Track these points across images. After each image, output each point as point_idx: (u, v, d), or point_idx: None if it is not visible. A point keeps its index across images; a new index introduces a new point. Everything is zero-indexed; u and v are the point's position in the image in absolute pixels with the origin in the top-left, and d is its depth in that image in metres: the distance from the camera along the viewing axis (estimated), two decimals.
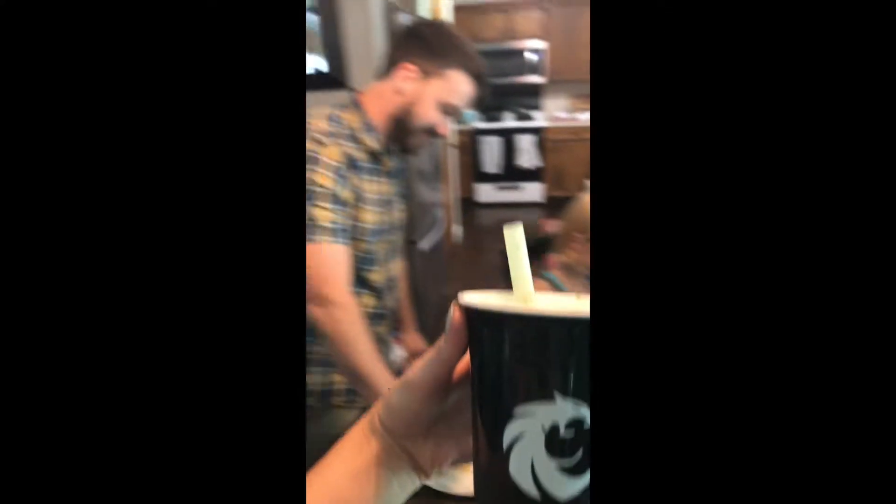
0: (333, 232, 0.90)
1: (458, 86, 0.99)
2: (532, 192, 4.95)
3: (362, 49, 1.96)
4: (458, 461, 0.32)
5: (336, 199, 0.90)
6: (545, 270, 1.25)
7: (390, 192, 1.08)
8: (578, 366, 0.25)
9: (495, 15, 4.65)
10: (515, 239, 0.30)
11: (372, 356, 0.90)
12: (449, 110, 1.00)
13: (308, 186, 0.88)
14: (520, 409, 0.25)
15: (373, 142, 0.99)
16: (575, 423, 0.25)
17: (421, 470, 0.32)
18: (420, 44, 0.97)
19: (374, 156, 1.01)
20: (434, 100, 0.98)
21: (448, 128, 1.05)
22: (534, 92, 4.98)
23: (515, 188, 4.96)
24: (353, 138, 0.97)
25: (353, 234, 0.96)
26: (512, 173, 4.91)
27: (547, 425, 0.25)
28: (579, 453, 0.26)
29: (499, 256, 1.24)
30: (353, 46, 1.96)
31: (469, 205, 4.94)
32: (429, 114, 0.98)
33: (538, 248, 1.37)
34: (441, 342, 0.29)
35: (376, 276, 1.05)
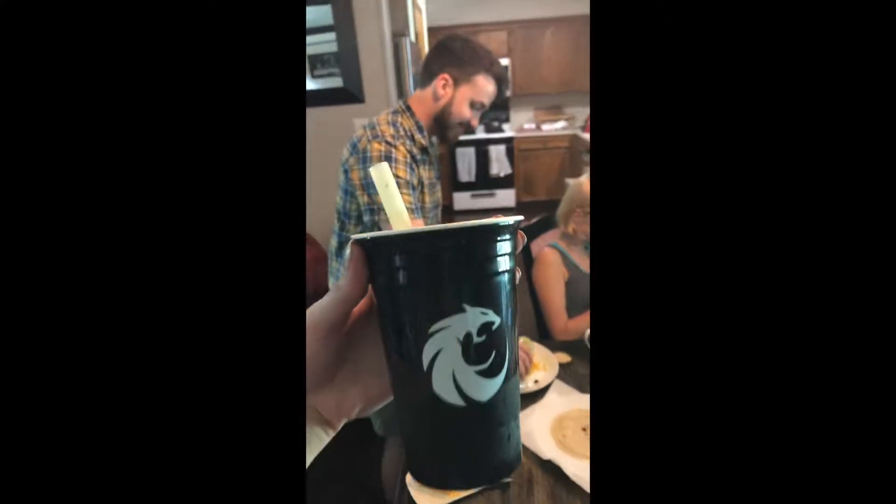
0: (413, 212, 1.23)
1: (485, 87, 1.29)
2: (504, 198, 5.34)
3: (375, 66, 2.27)
4: (364, 409, 0.32)
5: (411, 186, 1.23)
6: (552, 241, 1.60)
7: (434, 177, 1.40)
8: (477, 273, 0.27)
9: None
10: (384, 176, 0.30)
11: None
12: (477, 107, 1.30)
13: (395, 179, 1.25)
14: (435, 327, 0.26)
15: (423, 139, 1.31)
16: (484, 328, 0.27)
17: (327, 423, 0.31)
18: (451, 56, 1.28)
19: (425, 150, 1.33)
20: (466, 100, 1.28)
21: (477, 121, 1.35)
22: (503, 105, 5.40)
23: (489, 195, 5.33)
24: (411, 137, 1.29)
25: (421, 214, 1.29)
26: (485, 181, 5.29)
27: (461, 336, 0.27)
28: (492, 355, 0.28)
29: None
30: (367, 64, 2.27)
31: (448, 212, 5.28)
32: (463, 112, 1.29)
33: (546, 225, 1.71)
34: (340, 282, 0.29)
35: None
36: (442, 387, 0.27)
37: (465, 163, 5.19)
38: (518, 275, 0.31)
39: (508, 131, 5.25)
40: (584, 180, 1.53)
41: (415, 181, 1.26)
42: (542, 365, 1.27)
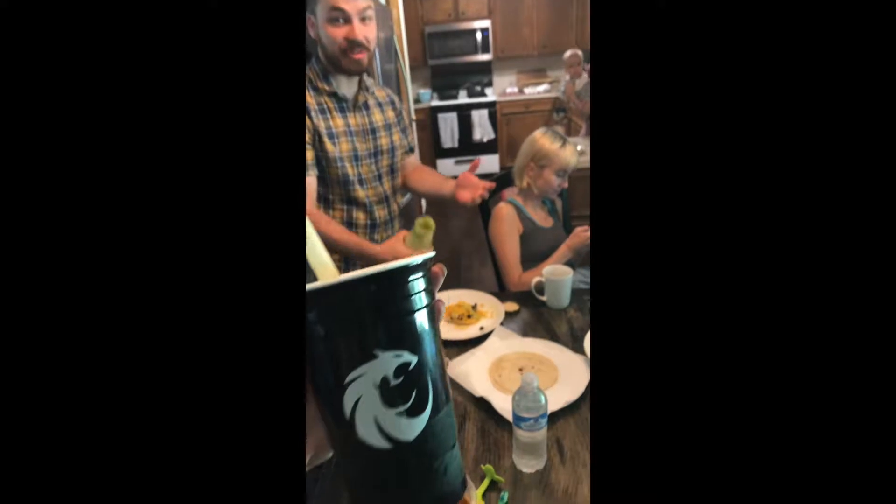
0: (309, 167, 1.21)
1: None
2: (488, 163, 5.32)
3: None
4: (316, 457, 0.32)
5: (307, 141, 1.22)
6: (509, 197, 1.62)
7: (364, 124, 1.30)
8: (388, 316, 0.27)
9: None
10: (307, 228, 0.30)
11: (346, 233, 1.24)
12: (339, 18, 1.14)
13: None
14: (350, 376, 0.27)
15: (327, 85, 1.24)
16: (400, 370, 0.28)
17: None
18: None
19: (336, 96, 1.25)
20: (323, 21, 1.16)
21: (358, 32, 1.16)
22: (485, 69, 5.33)
23: (472, 160, 5.30)
24: (315, 88, 1.24)
25: (327, 165, 1.25)
26: (468, 147, 5.26)
27: (377, 381, 0.27)
28: (412, 395, 0.28)
29: (464, 223, 1.53)
30: None
31: None
32: (330, 34, 1.16)
33: (503, 182, 1.73)
34: None
35: (361, 193, 1.31)
36: (366, 432, 0.27)
37: (448, 129, 5.15)
38: (442, 308, 0.32)
39: (491, 96, 5.19)
40: (539, 134, 1.55)
41: (307, 137, 1.22)
42: (489, 313, 1.31)
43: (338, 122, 1.26)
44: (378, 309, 0.27)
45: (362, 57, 1.20)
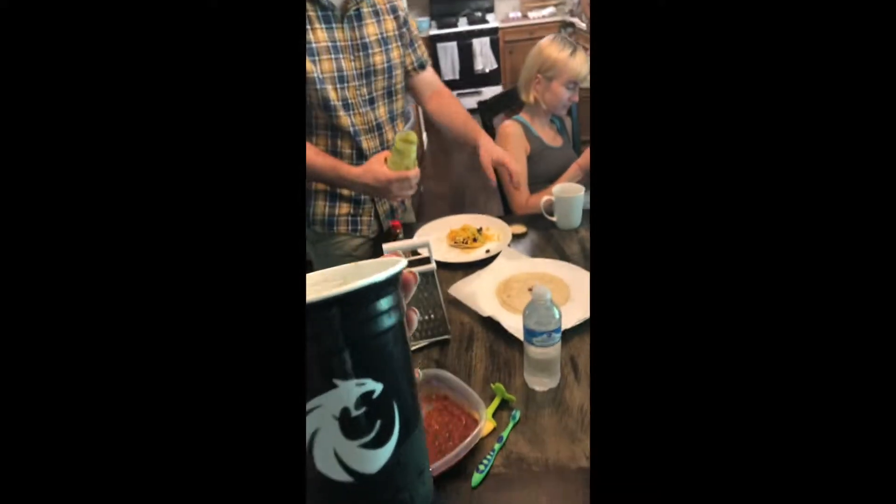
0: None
1: None
2: (491, 95, 5.09)
3: None
4: None
5: None
6: (515, 115, 1.51)
7: (354, 38, 1.10)
8: (349, 343, 0.25)
9: None
10: None
11: (320, 156, 1.10)
12: None
13: None
14: (308, 406, 0.25)
15: None
16: (363, 399, 0.25)
17: None
18: None
19: (321, 4, 1.04)
20: None
21: None
22: None
23: (475, 93, 5.09)
24: None
25: (305, 86, 1.06)
26: (470, 78, 5.02)
27: (337, 412, 0.25)
28: (376, 425, 0.26)
29: (466, 157, 1.35)
30: None
31: None
32: None
33: (509, 99, 1.61)
34: None
35: (345, 120, 1.11)
36: (326, 466, 0.25)
37: (448, 59, 4.90)
38: (415, 318, 0.30)
39: (492, 22, 4.89)
40: (546, 42, 1.42)
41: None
42: (495, 236, 1.24)
43: (320, 35, 1.06)
44: (340, 334, 0.25)
45: None
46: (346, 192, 1.21)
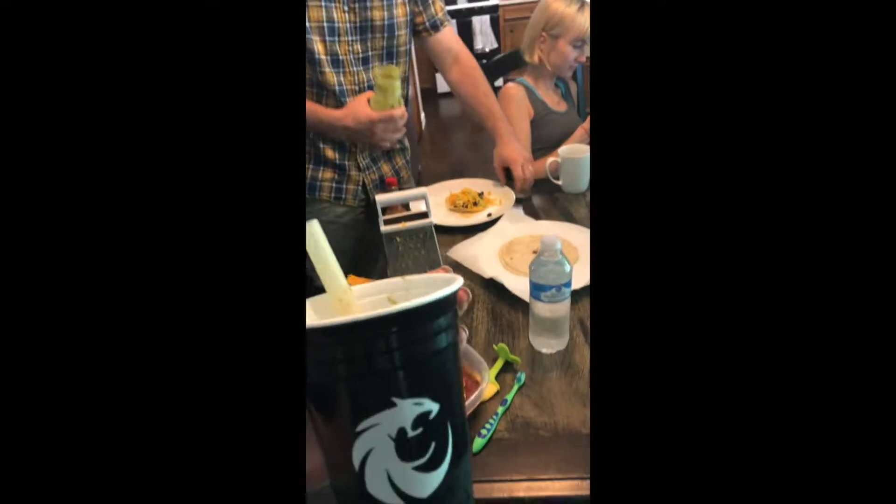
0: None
1: None
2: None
3: None
4: (316, 481, 0.29)
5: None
6: (518, 77, 1.44)
7: (359, 20, 1.00)
8: (409, 360, 0.24)
9: None
10: (314, 235, 0.28)
11: (312, 105, 1.02)
12: None
13: None
14: (362, 425, 0.24)
15: None
16: (420, 420, 0.25)
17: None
18: None
19: None
20: None
21: None
22: None
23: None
24: None
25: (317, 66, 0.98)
26: None
27: (393, 432, 0.24)
28: (431, 447, 0.25)
29: (466, 136, 1.28)
30: None
31: (430, 94, 4.97)
32: None
33: (512, 61, 1.54)
34: None
35: (331, 78, 1.02)
36: (376, 488, 0.25)
37: None
38: (464, 336, 0.29)
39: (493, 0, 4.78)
40: None
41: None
42: (497, 200, 1.17)
43: (321, 13, 0.96)
44: (399, 352, 0.24)
45: None
46: (330, 154, 1.10)
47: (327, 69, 1.01)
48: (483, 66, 1.57)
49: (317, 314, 0.30)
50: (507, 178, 1.20)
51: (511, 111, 1.36)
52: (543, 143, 1.39)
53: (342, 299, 0.29)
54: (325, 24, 0.98)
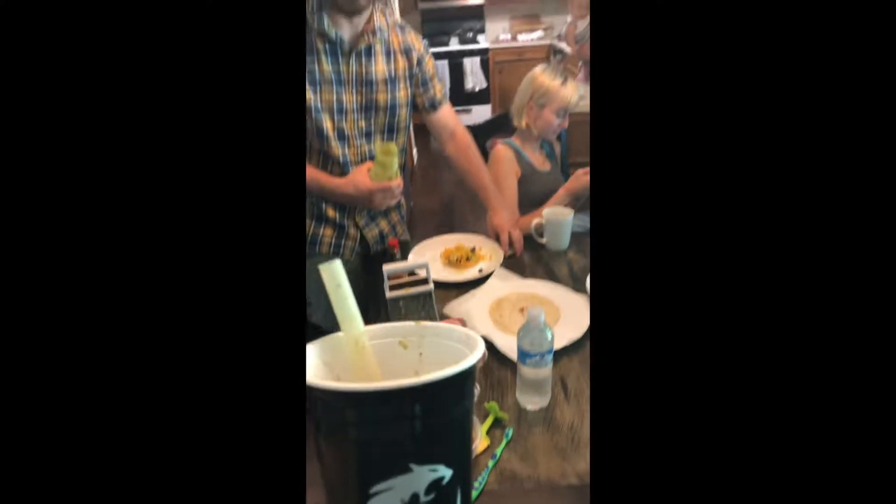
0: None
1: None
2: (481, 113, 5.17)
3: None
4: None
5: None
6: (506, 138, 1.56)
7: (360, 73, 1.11)
8: (428, 427, 0.24)
9: None
10: (335, 276, 0.28)
11: (307, 171, 1.11)
12: None
13: None
14: (376, 488, 0.24)
15: (318, 23, 1.04)
16: (433, 486, 0.25)
17: None
18: None
19: (328, 37, 1.06)
20: None
21: None
22: (477, 14, 5.11)
23: (465, 111, 5.17)
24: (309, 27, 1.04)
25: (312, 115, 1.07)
26: (461, 96, 5.10)
27: (406, 497, 0.24)
28: None
29: (456, 174, 1.40)
30: None
31: (422, 129, 5.13)
32: None
33: (500, 123, 1.67)
34: None
35: (335, 150, 1.12)
36: None
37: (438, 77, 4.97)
38: (476, 392, 0.28)
39: (483, 43, 5.00)
40: (538, 71, 1.47)
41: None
42: (488, 256, 1.28)
43: (325, 67, 1.07)
44: (420, 420, 0.24)
45: (363, 4, 1.03)
46: (331, 214, 1.21)
47: (334, 143, 1.13)
48: (476, 127, 1.70)
49: (329, 357, 0.30)
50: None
51: (500, 170, 1.48)
52: (529, 200, 1.51)
53: (358, 342, 0.29)
54: (335, 105, 1.11)
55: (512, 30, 5.22)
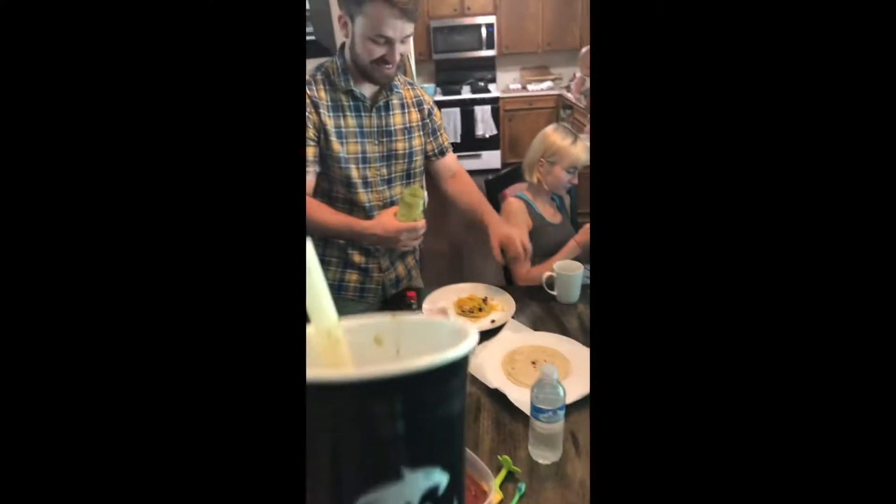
0: (309, 163, 1.17)
1: (380, 16, 1.07)
2: (490, 159, 5.31)
3: None
4: None
5: (308, 139, 1.15)
6: (519, 192, 1.63)
7: (381, 125, 1.23)
8: (421, 425, 0.21)
9: None
10: (308, 260, 0.24)
11: (335, 215, 1.20)
12: (381, 41, 1.10)
13: None
14: (363, 500, 0.20)
15: (343, 82, 1.18)
16: (429, 495, 0.21)
17: None
18: None
19: (352, 95, 1.19)
20: (365, 36, 1.10)
21: (396, 55, 1.13)
22: (489, 65, 5.32)
23: (475, 156, 5.31)
24: (330, 81, 1.19)
25: (331, 163, 1.20)
26: (471, 142, 5.25)
27: None
28: None
29: (462, 219, 1.48)
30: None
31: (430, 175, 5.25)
32: (367, 49, 1.12)
33: (512, 177, 1.74)
34: None
35: (362, 197, 1.25)
36: None
37: (451, 123, 5.14)
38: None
39: (494, 91, 5.18)
40: (550, 130, 1.55)
41: (308, 133, 1.17)
42: (500, 307, 1.32)
43: (350, 121, 1.20)
44: (410, 416, 0.21)
45: (392, 71, 1.17)
46: (357, 259, 1.30)
47: (360, 190, 1.24)
48: (489, 181, 1.77)
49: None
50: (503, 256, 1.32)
51: (512, 222, 1.54)
52: (540, 251, 1.56)
53: (332, 334, 0.26)
54: (360, 155, 1.22)
55: (522, 80, 5.42)
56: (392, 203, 1.29)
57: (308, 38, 2.35)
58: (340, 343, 0.26)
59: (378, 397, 0.20)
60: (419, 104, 1.31)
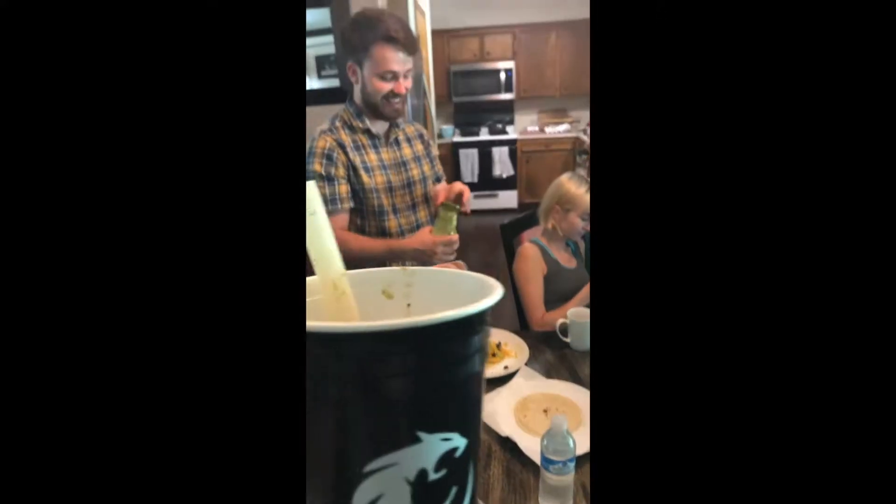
0: (329, 202, 1.34)
1: (384, 55, 1.28)
2: (507, 199, 5.39)
3: None
4: None
5: (328, 178, 1.33)
6: (534, 238, 1.67)
7: (396, 158, 1.45)
8: (440, 385, 0.19)
9: (470, 39, 5.12)
10: (310, 202, 0.22)
11: (372, 241, 1.36)
12: (388, 77, 1.31)
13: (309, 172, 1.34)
14: (372, 465, 0.19)
15: (361, 123, 1.39)
16: (445, 459, 0.20)
17: None
18: (347, 44, 1.32)
19: (370, 133, 1.41)
20: (373, 76, 1.31)
21: (402, 87, 1.33)
22: (507, 108, 5.46)
23: (492, 196, 5.39)
24: (350, 126, 1.40)
25: (364, 196, 1.38)
26: (488, 182, 5.34)
27: (412, 475, 0.19)
28: (451, 492, 0.20)
29: (481, 256, 1.66)
30: None
31: None
32: (377, 87, 1.32)
33: (526, 222, 1.78)
34: None
35: (392, 223, 1.43)
36: None
37: (468, 164, 5.25)
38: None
39: (512, 133, 5.30)
40: (565, 179, 1.60)
41: (337, 171, 1.33)
42: (513, 352, 1.33)
43: (371, 157, 1.40)
44: (428, 373, 0.19)
45: (400, 106, 1.37)
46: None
47: (391, 216, 1.42)
48: (504, 226, 1.81)
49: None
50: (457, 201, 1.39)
51: (528, 267, 1.57)
52: (555, 296, 1.58)
53: (337, 285, 0.24)
54: (387, 185, 1.39)
55: (540, 122, 5.54)
56: (419, 226, 1.47)
57: (333, 83, 2.48)
58: (346, 295, 0.24)
59: (386, 353, 0.18)
60: (421, 136, 1.55)
